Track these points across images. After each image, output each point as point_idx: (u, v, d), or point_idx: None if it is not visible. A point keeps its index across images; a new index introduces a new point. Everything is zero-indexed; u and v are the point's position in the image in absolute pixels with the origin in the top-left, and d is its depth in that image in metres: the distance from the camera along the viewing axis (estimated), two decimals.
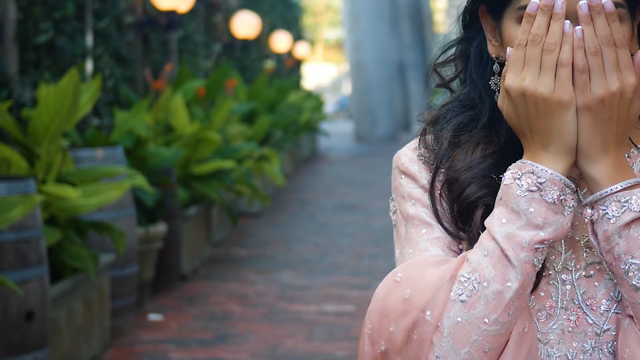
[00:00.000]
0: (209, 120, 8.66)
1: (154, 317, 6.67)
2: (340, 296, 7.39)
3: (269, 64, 16.30)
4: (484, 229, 1.25)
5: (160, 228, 6.97)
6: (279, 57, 17.39)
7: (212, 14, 12.09)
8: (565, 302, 1.30)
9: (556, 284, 1.30)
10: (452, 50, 1.43)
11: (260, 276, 8.14)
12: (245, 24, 12.65)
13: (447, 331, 1.20)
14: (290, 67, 18.55)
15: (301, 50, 19.29)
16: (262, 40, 15.29)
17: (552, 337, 1.29)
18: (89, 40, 7.00)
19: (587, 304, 1.29)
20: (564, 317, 1.29)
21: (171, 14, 8.47)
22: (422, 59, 30.21)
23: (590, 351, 1.29)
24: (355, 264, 8.61)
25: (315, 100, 17.99)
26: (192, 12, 10.28)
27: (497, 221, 1.22)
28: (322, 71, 37.72)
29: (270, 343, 6.07)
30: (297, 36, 20.44)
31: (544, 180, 1.21)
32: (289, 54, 18.14)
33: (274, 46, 16.25)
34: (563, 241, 1.30)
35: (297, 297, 7.35)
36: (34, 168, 5.24)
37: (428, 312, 1.20)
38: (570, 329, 1.29)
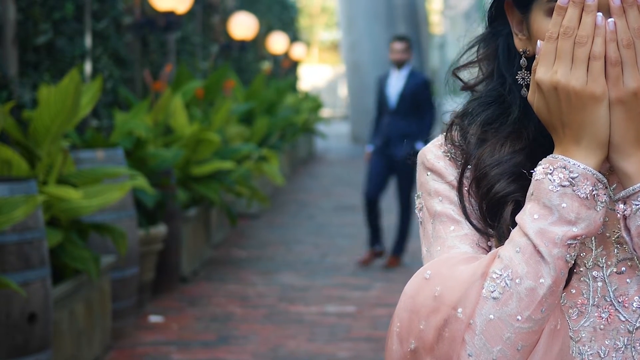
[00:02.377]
0: (208, 122, 8.64)
1: (154, 318, 6.65)
2: (341, 297, 7.37)
3: (266, 65, 16.28)
4: (514, 225, 1.23)
5: (161, 229, 6.95)
6: (275, 59, 17.38)
7: (209, 15, 12.07)
8: (596, 299, 1.28)
9: (587, 280, 1.28)
10: (473, 52, 1.41)
11: (261, 277, 8.12)
12: (242, 25, 12.64)
13: (479, 329, 1.17)
14: (287, 68, 18.53)
15: (298, 51, 19.27)
16: (259, 41, 15.27)
17: (583, 335, 1.27)
18: (88, 41, 6.98)
19: (619, 301, 1.28)
20: (596, 314, 1.27)
21: (169, 15, 8.45)
22: (418, 60, 30.22)
23: (622, 349, 1.27)
24: (356, 265, 8.60)
25: (312, 101, 17.98)
26: (190, 13, 10.26)
27: (529, 217, 1.20)
28: (318, 72, 37.73)
29: (272, 344, 6.06)
30: (294, 37, 20.42)
31: (577, 175, 1.19)
32: (286, 55, 18.12)
33: (270, 47, 16.24)
34: (593, 237, 1.28)
35: (298, 298, 7.33)
36: (34, 169, 5.22)
37: (459, 310, 1.18)
38: (602, 326, 1.27)
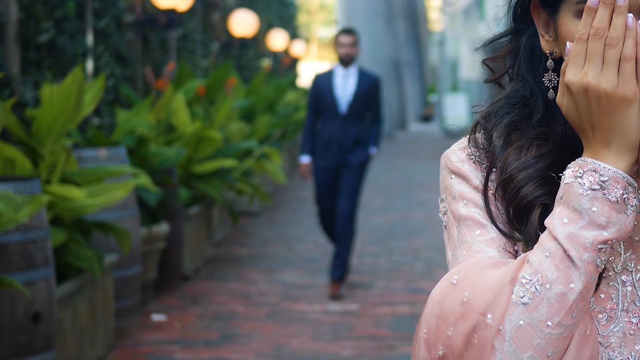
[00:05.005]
0: (209, 119, 8.62)
1: (157, 317, 6.63)
2: (343, 295, 7.35)
3: (266, 63, 16.26)
4: (542, 229, 1.22)
5: (163, 228, 6.94)
6: (275, 56, 17.35)
7: (209, 12, 12.05)
8: (626, 304, 1.26)
9: (616, 285, 1.26)
10: (500, 43, 1.38)
11: (263, 275, 8.10)
12: (242, 23, 12.62)
13: (509, 335, 1.16)
14: (287, 65, 18.51)
15: (297, 48, 19.25)
16: (259, 38, 15.25)
17: (613, 340, 1.25)
18: (90, 39, 6.96)
19: None
20: (626, 319, 1.26)
21: (170, 13, 8.44)
22: (417, 57, 30.22)
23: None
24: (357, 263, 8.57)
25: None
26: (190, 10, 10.24)
27: (559, 221, 1.18)
28: (317, 69, 37.71)
29: (275, 343, 6.04)
30: (293, 34, 20.40)
31: (607, 178, 1.17)
32: (286, 52, 18.09)
33: (270, 44, 16.21)
34: (622, 241, 1.26)
35: (300, 297, 7.32)
36: (38, 168, 5.20)
37: (489, 316, 1.16)
38: (632, 331, 1.25)
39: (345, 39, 7.43)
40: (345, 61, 7.42)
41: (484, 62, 1.38)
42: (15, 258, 4.39)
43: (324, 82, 7.48)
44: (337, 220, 7.46)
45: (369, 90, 7.45)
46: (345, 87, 7.40)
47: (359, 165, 7.47)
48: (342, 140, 7.38)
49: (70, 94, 5.14)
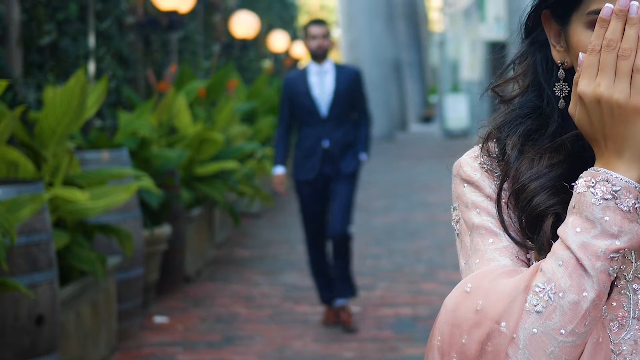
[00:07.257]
0: (211, 121, 8.63)
1: (159, 319, 6.64)
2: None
3: (267, 64, 16.26)
4: (554, 238, 1.23)
5: (165, 230, 6.95)
6: (276, 57, 17.36)
7: (211, 14, 12.06)
8: (637, 312, 1.27)
9: (628, 293, 1.27)
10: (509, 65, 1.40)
11: (265, 277, 8.11)
12: (243, 24, 12.63)
13: (522, 343, 1.17)
14: (289, 66, 18.51)
15: (298, 49, 19.24)
16: (260, 40, 15.26)
17: (624, 348, 1.27)
18: (91, 41, 6.97)
19: None
20: (637, 327, 1.27)
21: (172, 15, 8.44)
22: (418, 58, 30.26)
23: None
24: (359, 264, 8.56)
25: None
26: (192, 12, 10.25)
27: (571, 230, 1.19)
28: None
29: (277, 344, 6.05)
30: (294, 36, 20.41)
31: (619, 188, 1.18)
32: (286, 53, 18.10)
33: (271, 46, 16.22)
34: (633, 250, 1.28)
35: (302, 298, 7.32)
36: (40, 171, 5.21)
37: (503, 324, 1.18)
38: None
39: (316, 30, 6.44)
40: (319, 54, 6.43)
41: (493, 89, 1.39)
42: (19, 261, 4.40)
43: (297, 83, 6.46)
44: (333, 244, 6.56)
45: (350, 85, 6.46)
46: (322, 85, 6.42)
47: (352, 175, 6.50)
48: (329, 147, 6.41)
49: (72, 96, 5.15)
